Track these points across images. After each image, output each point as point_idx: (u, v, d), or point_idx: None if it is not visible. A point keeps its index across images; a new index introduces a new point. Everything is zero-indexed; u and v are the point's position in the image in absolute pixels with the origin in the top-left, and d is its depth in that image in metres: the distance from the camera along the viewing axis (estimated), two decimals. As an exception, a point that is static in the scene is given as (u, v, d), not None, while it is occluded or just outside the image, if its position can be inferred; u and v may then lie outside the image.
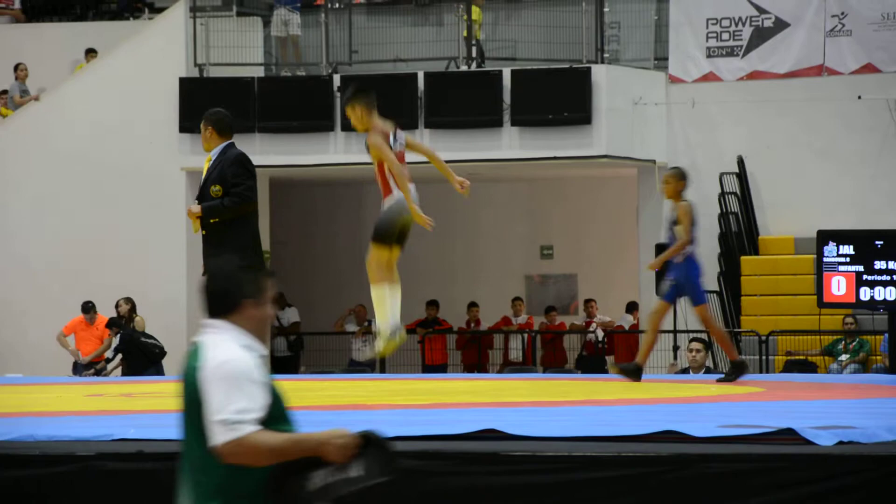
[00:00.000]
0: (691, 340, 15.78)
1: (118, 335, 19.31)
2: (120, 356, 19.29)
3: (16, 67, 22.67)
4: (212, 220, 10.00)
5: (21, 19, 24.09)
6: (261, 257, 10.26)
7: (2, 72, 23.24)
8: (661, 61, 21.49)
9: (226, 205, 10.02)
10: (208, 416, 4.41)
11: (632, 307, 22.40)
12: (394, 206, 9.80)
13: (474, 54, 21.15)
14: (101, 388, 10.97)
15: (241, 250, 9.98)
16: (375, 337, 9.86)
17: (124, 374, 19.00)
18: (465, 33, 21.22)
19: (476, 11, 21.16)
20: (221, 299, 4.59)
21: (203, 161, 10.39)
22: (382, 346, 9.77)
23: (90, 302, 19.87)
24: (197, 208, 10.02)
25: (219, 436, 4.38)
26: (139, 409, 9.03)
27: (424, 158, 21.15)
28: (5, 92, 22.73)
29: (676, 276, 11.13)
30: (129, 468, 6.03)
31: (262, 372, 4.55)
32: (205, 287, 4.64)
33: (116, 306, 19.58)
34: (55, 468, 6.02)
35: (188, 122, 20.25)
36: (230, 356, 4.49)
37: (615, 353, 22.02)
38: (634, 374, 10.96)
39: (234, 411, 4.40)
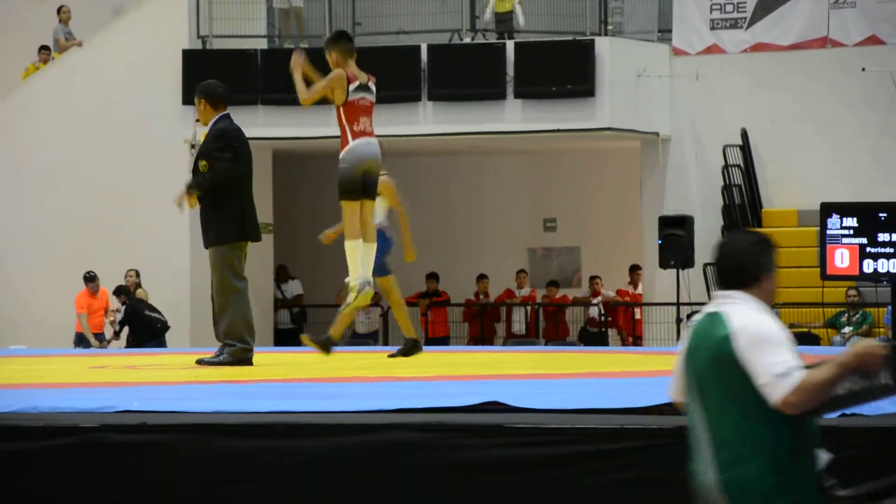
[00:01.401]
0: (689, 316, 15.79)
1: (124, 305, 19.27)
2: (126, 328, 19.28)
3: (59, 10, 22.56)
4: (198, 196, 10.02)
5: None
6: (255, 229, 10.27)
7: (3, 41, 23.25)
8: (664, 33, 21.44)
9: (201, 181, 10.05)
10: (757, 378, 4.68)
11: (635, 268, 22.44)
12: (347, 156, 9.88)
13: (502, 26, 21.11)
14: (105, 360, 11.00)
15: (229, 222, 10.05)
16: (346, 291, 9.91)
17: (127, 346, 19.03)
18: (495, 7, 21.17)
19: None
20: (741, 273, 4.86)
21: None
22: (353, 302, 9.87)
23: (91, 271, 19.88)
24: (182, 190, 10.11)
25: (777, 390, 4.65)
26: (142, 381, 9.05)
27: (430, 131, 21.04)
28: (46, 48, 22.60)
29: None
30: (132, 440, 6.04)
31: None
32: (722, 261, 4.91)
33: (126, 277, 19.65)
34: (58, 440, 6.04)
35: (192, 95, 20.16)
36: (763, 320, 4.77)
37: (618, 325, 22.05)
38: (325, 346, 10.77)
39: (783, 364, 4.66)
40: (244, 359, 9.99)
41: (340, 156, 9.94)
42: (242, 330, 9.99)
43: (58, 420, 6.17)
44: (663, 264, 19.67)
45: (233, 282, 10.03)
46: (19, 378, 9.37)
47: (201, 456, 5.99)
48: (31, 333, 20.19)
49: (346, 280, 10.00)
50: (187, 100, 20.50)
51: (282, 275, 22.93)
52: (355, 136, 9.93)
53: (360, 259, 9.91)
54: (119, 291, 19.48)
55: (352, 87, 9.94)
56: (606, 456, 6.00)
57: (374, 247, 10.09)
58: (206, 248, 10.19)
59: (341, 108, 9.92)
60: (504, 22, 21.24)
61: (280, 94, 20.81)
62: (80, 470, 6.05)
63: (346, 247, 9.95)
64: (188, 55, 20.87)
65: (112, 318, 19.73)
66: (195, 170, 10.19)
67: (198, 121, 10.51)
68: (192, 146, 10.58)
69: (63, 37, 22.27)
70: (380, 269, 10.75)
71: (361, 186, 9.93)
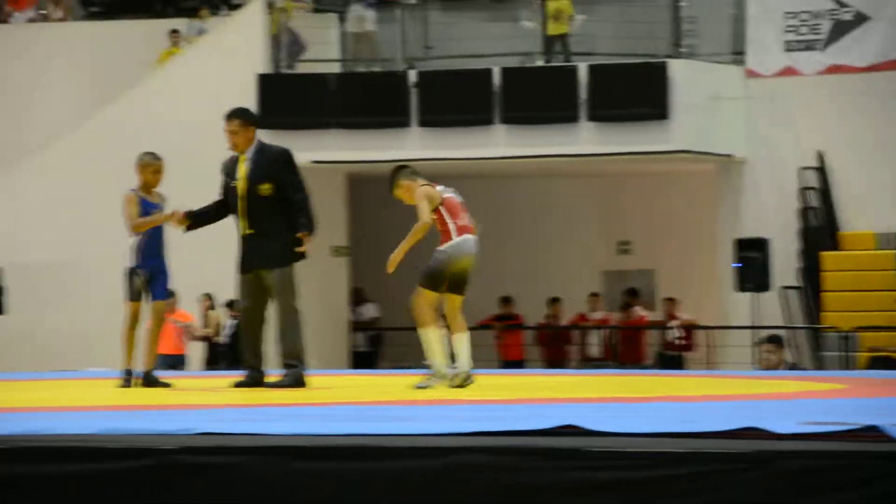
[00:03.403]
0: (763, 342, 15.63)
1: (235, 319, 19.25)
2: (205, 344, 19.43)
3: (196, 7, 22.87)
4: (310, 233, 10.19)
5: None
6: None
7: (76, 69, 23.50)
8: (738, 55, 21.36)
9: (310, 214, 10.23)
10: None
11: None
12: (449, 249, 9.80)
13: (558, 48, 21.12)
14: (178, 382, 11.06)
15: (292, 243, 10.22)
16: (435, 378, 9.82)
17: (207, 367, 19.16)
18: (548, 30, 21.18)
19: (565, 3, 21.09)
20: None
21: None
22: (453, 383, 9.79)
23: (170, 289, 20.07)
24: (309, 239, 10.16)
25: None
26: (219, 404, 9.09)
27: (502, 154, 21.00)
28: (176, 31, 22.90)
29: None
30: (211, 462, 6.06)
31: None
32: None
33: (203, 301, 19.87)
34: (138, 462, 6.07)
35: (267, 119, 20.26)
36: None
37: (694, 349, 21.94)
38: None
39: None
40: (303, 380, 10.16)
41: (442, 247, 9.82)
42: (302, 351, 10.16)
43: (137, 442, 6.21)
44: (739, 287, 19.55)
45: (296, 302, 10.17)
46: (98, 400, 9.44)
47: (280, 479, 6.01)
48: (111, 354, 20.33)
49: (428, 364, 9.87)
50: (263, 124, 20.56)
51: (358, 297, 22.99)
52: (460, 230, 9.86)
53: (441, 346, 9.80)
54: (231, 304, 19.58)
55: (439, 187, 9.90)
56: (684, 480, 5.96)
57: (467, 335, 9.96)
58: (267, 269, 10.22)
59: (440, 207, 9.82)
60: (560, 45, 21.18)
61: (354, 117, 20.92)
62: (158, 492, 6.08)
63: (422, 336, 9.81)
64: (263, 80, 21.01)
65: (211, 333, 19.93)
66: (253, 193, 10.22)
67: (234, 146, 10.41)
68: (228, 174, 10.48)
69: (195, 33, 22.57)
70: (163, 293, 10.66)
71: (450, 282, 9.84)
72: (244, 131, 10.35)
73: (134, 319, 10.54)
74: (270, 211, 10.25)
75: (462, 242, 9.83)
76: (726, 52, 21.47)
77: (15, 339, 21.15)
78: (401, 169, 10.06)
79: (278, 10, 21.36)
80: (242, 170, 10.30)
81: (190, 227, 10.68)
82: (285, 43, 21.49)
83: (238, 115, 10.45)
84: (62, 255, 21.91)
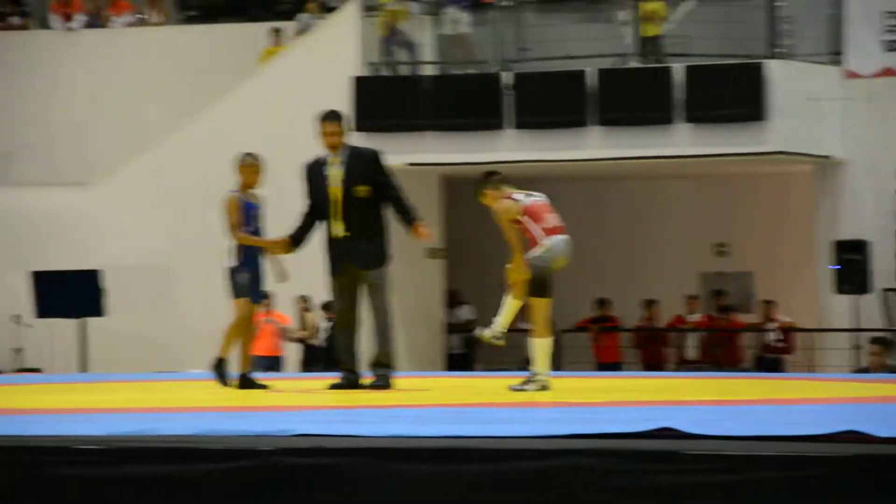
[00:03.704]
0: (871, 342, 15.53)
1: (329, 321, 19.34)
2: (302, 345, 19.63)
3: (292, 11, 23.15)
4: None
5: None
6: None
7: (173, 73, 23.73)
8: (836, 56, 21.13)
9: (412, 206, 10.35)
10: None
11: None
12: (545, 254, 9.77)
13: (651, 50, 21.03)
14: (273, 383, 11.13)
15: (388, 243, 10.33)
16: (534, 383, 9.85)
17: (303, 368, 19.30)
18: (642, 31, 21.09)
19: (659, 5, 21.00)
20: None
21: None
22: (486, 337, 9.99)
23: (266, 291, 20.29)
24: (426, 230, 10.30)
25: None
26: (315, 405, 9.14)
27: (598, 156, 20.93)
28: (276, 31, 23.17)
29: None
30: (307, 463, 6.10)
31: None
32: None
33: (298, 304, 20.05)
34: (237, 462, 6.12)
35: (363, 121, 20.39)
36: None
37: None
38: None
39: None
40: (392, 380, 10.28)
41: (535, 253, 9.79)
42: (393, 351, 10.27)
43: (235, 443, 6.26)
44: (839, 290, 19.35)
45: (388, 303, 10.24)
46: (197, 402, 9.54)
47: (375, 480, 6.03)
48: (212, 356, 20.52)
49: (488, 330, 9.93)
50: (360, 126, 20.67)
51: (453, 299, 23.02)
52: (549, 232, 9.83)
53: (548, 357, 9.87)
54: (327, 307, 19.71)
55: (517, 195, 9.88)
56: (784, 484, 5.91)
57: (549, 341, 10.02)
58: (365, 269, 10.26)
59: (522, 217, 9.80)
60: (653, 46, 21.08)
61: (449, 119, 20.95)
62: (256, 493, 6.13)
63: (534, 343, 9.87)
64: (359, 82, 21.10)
65: (307, 335, 20.12)
66: (350, 195, 10.27)
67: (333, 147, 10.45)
68: (317, 176, 10.53)
69: (302, 26, 22.82)
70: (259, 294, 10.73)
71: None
72: (343, 133, 10.43)
73: (241, 316, 10.63)
74: (366, 212, 10.30)
75: (553, 245, 9.81)
76: (824, 52, 21.24)
77: (116, 341, 21.41)
78: (487, 176, 10.07)
79: (388, 12, 21.44)
80: (336, 172, 10.33)
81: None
82: (399, 43, 21.59)
83: (339, 117, 10.54)
84: (162, 257, 22.16)
